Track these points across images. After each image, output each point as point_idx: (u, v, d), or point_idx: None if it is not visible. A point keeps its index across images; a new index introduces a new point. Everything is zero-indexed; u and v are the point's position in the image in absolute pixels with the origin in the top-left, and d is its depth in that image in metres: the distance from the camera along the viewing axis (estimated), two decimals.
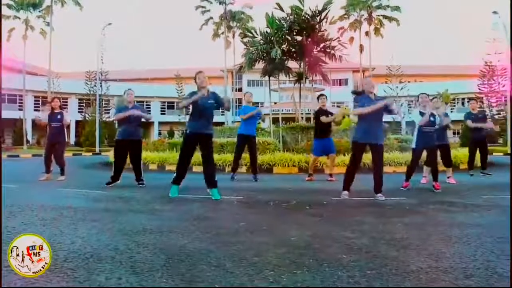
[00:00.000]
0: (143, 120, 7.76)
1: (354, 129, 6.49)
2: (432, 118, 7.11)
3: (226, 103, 6.17)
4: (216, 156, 11.52)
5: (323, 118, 8.61)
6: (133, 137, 7.55)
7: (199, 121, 6.07)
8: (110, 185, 7.41)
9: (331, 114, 8.76)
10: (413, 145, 7.28)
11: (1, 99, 18.92)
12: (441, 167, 10.73)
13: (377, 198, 5.90)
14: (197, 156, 6.66)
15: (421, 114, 7.21)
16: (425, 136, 7.14)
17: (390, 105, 6.08)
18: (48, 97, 36.22)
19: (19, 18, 38.82)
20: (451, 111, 41.71)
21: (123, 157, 7.60)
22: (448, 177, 8.41)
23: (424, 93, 7.57)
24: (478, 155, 10.39)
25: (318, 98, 9.21)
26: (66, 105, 45.54)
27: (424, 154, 7.35)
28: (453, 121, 12.69)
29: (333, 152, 8.89)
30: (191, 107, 6.17)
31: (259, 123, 11.30)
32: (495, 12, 28.14)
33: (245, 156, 9.64)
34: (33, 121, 10.30)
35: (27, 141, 38.62)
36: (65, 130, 8.88)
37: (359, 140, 6.11)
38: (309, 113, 18.82)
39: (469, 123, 9.96)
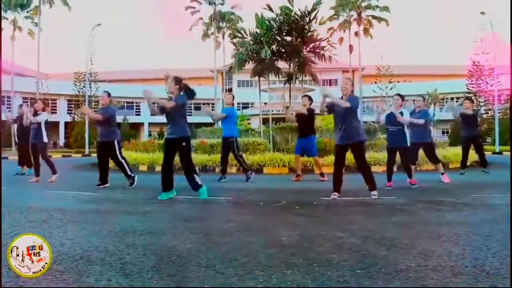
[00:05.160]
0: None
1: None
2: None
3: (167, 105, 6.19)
4: (205, 157, 11.57)
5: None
6: (102, 138, 7.68)
7: (168, 126, 6.24)
8: (101, 186, 7.40)
9: (313, 113, 8.89)
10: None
11: (0, 102, 18.57)
12: (430, 166, 10.90)
13: (371, 197, 5.91)
14: None
15: (390, 113, 7.36)
16: (390, 136, 7.48)
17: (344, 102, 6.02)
18: (36, 98, 35.86)
19: (6, 18, 38.35)
20: (440, 111, 42.18)
21: (100, 156, 7.74)
22: (442, 174, 8.15)
23: (398, 94, 7.58)
24: (472, 154, 10.35)
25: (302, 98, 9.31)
26: (55, 106, 45.12)
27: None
28: (442, 121, 12.78)
29: (313, 154, 8.97)
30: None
31: (249, 123, 11.31)
32: (482, 13, 28.43)
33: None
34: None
35: (15, 143, 38.17)
36: (44, 130, 8.71)
37: (336, 142, 6.26)
38: None
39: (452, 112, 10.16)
